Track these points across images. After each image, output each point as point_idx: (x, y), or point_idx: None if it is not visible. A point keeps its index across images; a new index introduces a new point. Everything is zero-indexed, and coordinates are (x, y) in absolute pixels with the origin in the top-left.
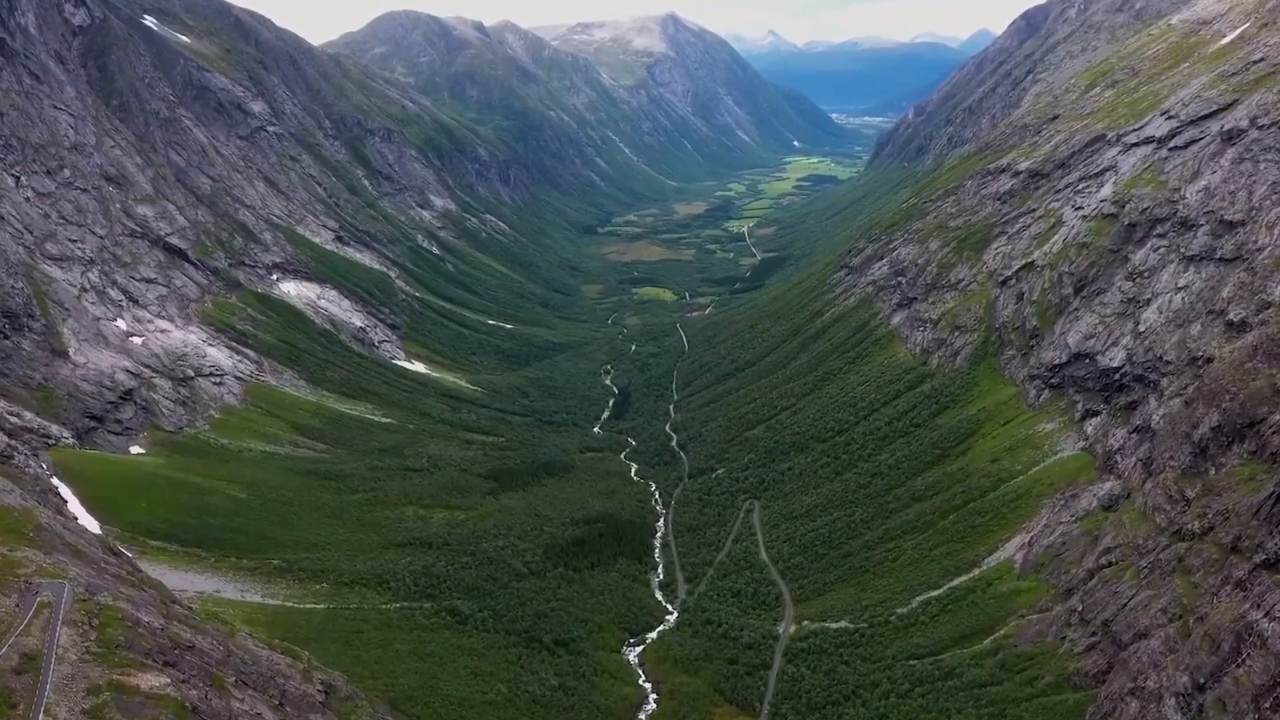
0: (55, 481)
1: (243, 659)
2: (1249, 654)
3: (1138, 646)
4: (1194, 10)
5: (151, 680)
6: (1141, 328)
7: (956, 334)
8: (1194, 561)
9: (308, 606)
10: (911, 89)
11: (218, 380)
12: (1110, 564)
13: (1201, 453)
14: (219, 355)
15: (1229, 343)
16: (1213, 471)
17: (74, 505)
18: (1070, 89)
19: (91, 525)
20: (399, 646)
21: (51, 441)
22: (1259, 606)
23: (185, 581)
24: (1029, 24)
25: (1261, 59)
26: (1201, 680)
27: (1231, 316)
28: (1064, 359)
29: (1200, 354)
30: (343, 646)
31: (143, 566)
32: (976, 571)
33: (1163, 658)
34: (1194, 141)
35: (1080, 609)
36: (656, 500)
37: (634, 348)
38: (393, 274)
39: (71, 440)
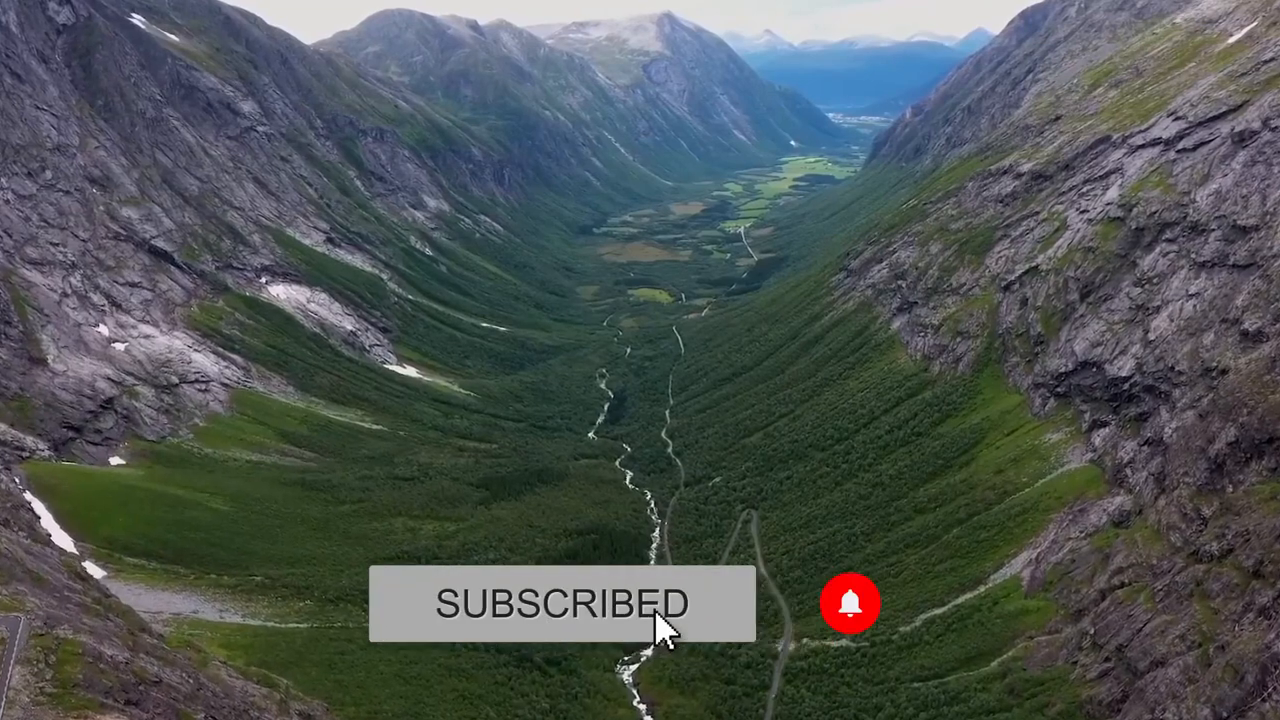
0: (28, 496)
1: (214, 692)
2: (1275, 687)
3: (1155, 675)
4: (1198, 9)
5: None
6: (1151, 336)
7: (958, 340)
8: (1213, 586)
9: (290, 626)
10: (909, 88)
11: (203, 387)
12: (1123, 585)
13: (1218, 469)
14: (205, 361)
15: (1244, 353)
16: (1230, 489)
17: (47, 521)
18: (1072, 89)
19: (65, 542)
20: (384, 669)
21: (25, 454)
22: None
23: (161, 602)
24: (1028, 23)
25: (1272, 58)
26: (1224, 714)
27: (1247, 326)
28: (1070, 367)
29: (1214, 364)
30: (325, 670)
31: (117, 586)
32: (982, 589)
33: (1182, 688)
34: (1203, 143)
35: (1092, 632)
36: (652, 509)
37: (629, 351)
38: (385, 276)
39: (48, 452)
